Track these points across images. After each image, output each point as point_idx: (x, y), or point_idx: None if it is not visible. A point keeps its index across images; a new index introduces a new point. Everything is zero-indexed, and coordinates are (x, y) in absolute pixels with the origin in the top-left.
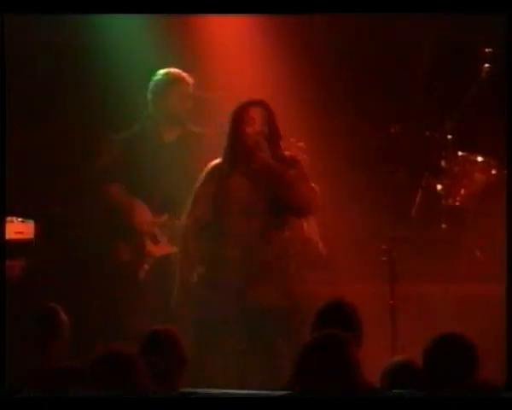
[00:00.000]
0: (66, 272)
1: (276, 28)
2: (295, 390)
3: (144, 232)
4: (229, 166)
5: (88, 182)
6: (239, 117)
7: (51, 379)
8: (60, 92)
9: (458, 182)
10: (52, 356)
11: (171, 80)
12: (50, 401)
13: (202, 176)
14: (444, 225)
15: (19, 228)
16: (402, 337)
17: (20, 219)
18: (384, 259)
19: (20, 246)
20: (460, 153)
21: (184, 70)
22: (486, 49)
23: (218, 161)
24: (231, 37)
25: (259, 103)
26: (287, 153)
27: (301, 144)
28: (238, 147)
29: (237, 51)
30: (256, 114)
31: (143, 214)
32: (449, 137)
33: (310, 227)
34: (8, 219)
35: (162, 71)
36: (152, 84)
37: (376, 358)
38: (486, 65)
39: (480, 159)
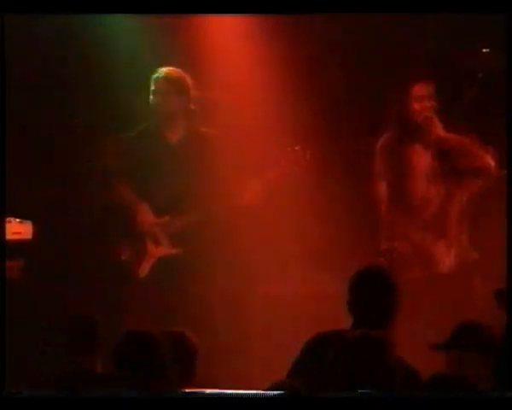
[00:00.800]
0: (65, 271)
1: None
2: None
3: (146, 233)
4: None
5: (92, 181)
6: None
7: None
8: (66, 90)
9: None
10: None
11: (170, 79)
12: (50, 401)
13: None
14: None
15: (17, 229)
16: None
17: (18, 220)
18: None
19: (19, 247)
20: None
21: (184, 69)
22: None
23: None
24: (228, 36)
25: (426, 81)
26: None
27: (297, 148)
28: (409, 124)
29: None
30: (424, 91)
31: (146, 215)
32: None
33: None
34: (7, 219)
35: (161, 69)
36: (151, 83)
37: None
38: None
39: None
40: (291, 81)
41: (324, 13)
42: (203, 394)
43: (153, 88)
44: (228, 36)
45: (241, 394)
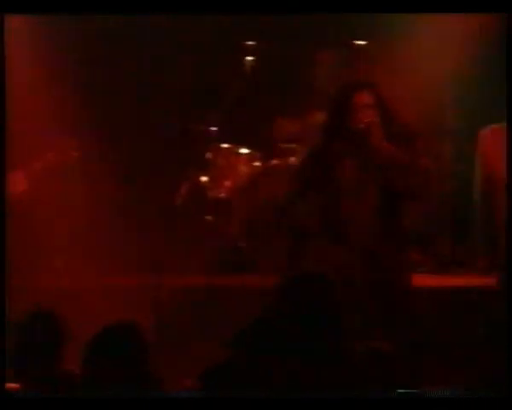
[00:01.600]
0: None
1: None
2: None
3: None
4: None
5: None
6: (347, 103)
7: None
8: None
9: (222, 174)
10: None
11: None
12: (50, 401)
13: (307, 160)
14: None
15: None
16: None
17: None
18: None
19: None
20: (225, 145)
21: None
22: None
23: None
24: None
25: (366, 87)
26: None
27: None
28: (348, 133)
29: None
30: (365, 99)
31: None
32: (213, 129)
33: None
34: None
35: None
36: None
37: None
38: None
39: (244, 151)
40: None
41: (324, 13)
42: (203, 394)
43: None
44: None
45: (240, 395)
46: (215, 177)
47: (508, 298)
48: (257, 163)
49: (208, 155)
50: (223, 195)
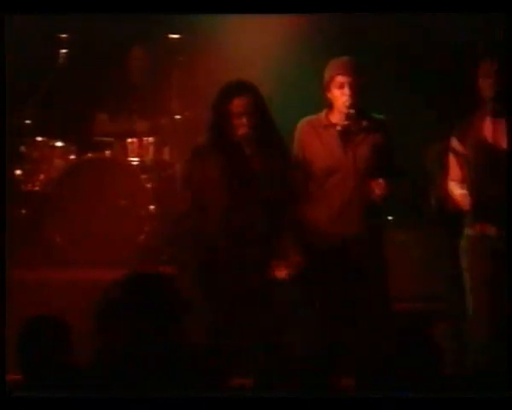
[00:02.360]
0: None
1: None
2: None
3: None
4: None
5: None
6: (223, 109)
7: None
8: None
9: (40, 168)
10: None
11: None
12: (50, 401)
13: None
14: None
15: None
16: None
17: None
18: None
19: None
20: (40, 138)
21: None
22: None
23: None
24: None
25: (245, 92)
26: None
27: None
28: (222, 139)
29: None
30: (242, 106)
31: None
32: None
33: None
34: None
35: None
36: None
37: None
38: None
39: (59, 144)
40: None
41: (324, 13)
42: (203, 394)
43: None
44: None
45: (240, 394)
46: (30, 170)
47: (508, 294)
48: (72, 156)
49: (22, 149)
50: (37, 188)
